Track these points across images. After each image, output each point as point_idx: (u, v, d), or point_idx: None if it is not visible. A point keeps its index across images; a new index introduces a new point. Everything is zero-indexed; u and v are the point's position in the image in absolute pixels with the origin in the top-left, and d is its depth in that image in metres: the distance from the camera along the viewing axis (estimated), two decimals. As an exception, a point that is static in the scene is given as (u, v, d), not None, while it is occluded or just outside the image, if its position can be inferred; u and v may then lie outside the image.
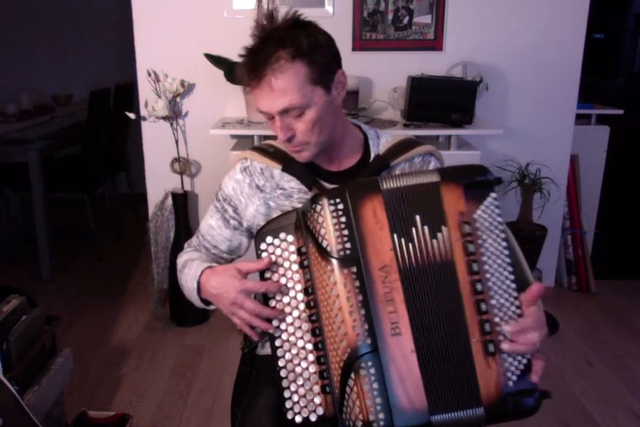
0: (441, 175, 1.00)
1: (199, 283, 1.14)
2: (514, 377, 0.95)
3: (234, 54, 2.61)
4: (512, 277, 0.97)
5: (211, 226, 1.29)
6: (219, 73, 2.58)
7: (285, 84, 1.07)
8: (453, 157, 2.50)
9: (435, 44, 2.74)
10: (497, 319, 0.95)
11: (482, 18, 2.72)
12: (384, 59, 2.75)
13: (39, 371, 1.61)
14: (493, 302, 0.96)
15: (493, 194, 0.99)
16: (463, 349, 0.95)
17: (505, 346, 0.95)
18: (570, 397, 2.22)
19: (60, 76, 4.71)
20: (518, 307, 0.96)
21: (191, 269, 1.19)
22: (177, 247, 2.71)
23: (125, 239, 3.92)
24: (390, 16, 2.70)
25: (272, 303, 1.05)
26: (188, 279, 1.18)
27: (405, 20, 2.71)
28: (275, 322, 1.05)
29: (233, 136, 2.76)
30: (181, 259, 1.29)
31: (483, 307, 0.95)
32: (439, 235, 0.97)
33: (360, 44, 2.74)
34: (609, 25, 5.19)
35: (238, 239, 1.29)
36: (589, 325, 2.77)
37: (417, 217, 0.98)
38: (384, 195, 0.99)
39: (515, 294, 0.97)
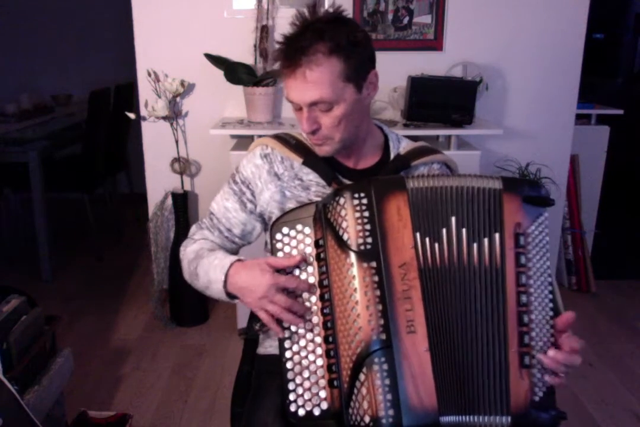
0: (504, 183, 1.00)
1: (226, 276, 1.12)
2: (540, 393, 0.95)
3: (234, 54, 2.65)
4: (550, 296, 0.98)
5: (227, 208, 1.28)
6: (219, 73, 2.58)
7: (319, 77, 1.07)
8: (453, 157, 2.47)
9: (435, 44, 2.74)
10: (533, 334, 0.96)
11: (482, 18, 2.72)
12: (384, 59, 2.70)
13: (39, 371, 1.60)
14: (532, 317, 0.96)
15: (546, 214, 1.00)
16: (500, 357, 0.95)
17: (541, 356, 0.95)
18: (570, 397, 2.22)
19: (60, 76, 4.71)
20: (552, 326, 0.98)
21: (214, 259, 1.16)
22: (177, 247, 2.69)
23: (125, 239, 3.92)
24: (390, 16, 2.70)
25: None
26: (210, 270, 1.15)
27: (405, 20, 2.71)
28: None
29: (233, 136, 2.76)
30: (191, 247, 1.26)
31: (525, 319, 0.96)
32: (485, 240, 0.98)
33: (360, 44, 2.73)
34: (609, 25, 5.20)
35: (252, 224, 1.29)
36: (589, 325, 2.77)
37: (453, 219, 0.98)
38: (409, 193, 1.00)
39: (551, 313, 0.98)
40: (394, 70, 2.71)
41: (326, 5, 2.67)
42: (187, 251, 1.27)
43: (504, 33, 2.74)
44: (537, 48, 2.76)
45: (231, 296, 1.15)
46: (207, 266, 1.17)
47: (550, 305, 0.98)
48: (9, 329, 1.48)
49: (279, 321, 1.05)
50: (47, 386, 1.57)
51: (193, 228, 1.35)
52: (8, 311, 1.50)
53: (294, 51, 1.08)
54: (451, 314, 0.96)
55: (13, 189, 3.50)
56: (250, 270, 1.08)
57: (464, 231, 0.98)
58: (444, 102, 2.49)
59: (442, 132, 2.63)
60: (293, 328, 1.03)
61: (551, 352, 0.95)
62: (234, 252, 1.33)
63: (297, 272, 1.05)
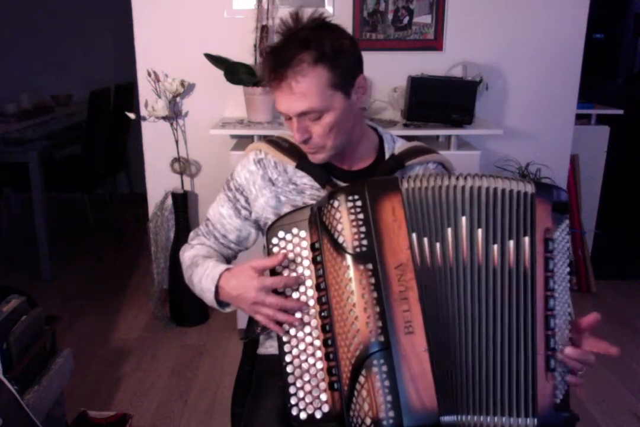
0: (537, 187, 0.99)
1: (217, 287, 1.13)
2: (561, 396, 0.97)
3: (234, 54, 2.65)
4: (569, 301, 0.99)
5: (222, 214, 1.28)
6: (219, 73, 2.58)
7: (306, 88, 1.06)
8: (453, 157, 2.46)
9: (435, 44, 2.74)
10: (557, 338, 0.97)
11: (482, 18, 2.72)
12: (384, 59, 2.75)
13: (39, 371, 1.60)
14: (557, 321, 0.97)
15: (567, 220, 1.00)
16: (527, 359, 0.95)
17: (565, 353, 0.97)
18: (570, 397, 2.21)
19: (60, 76, 4.71)
20: (569, 331, 0.99)
21: (206, 268, 1.17)
22: (177, 247, 2.70)
23: (125, 239, 3.92)
24: (390, 16, 2.70)
25: None
26: (202, 280, 1.17)
27: (405, 20, 2.71)
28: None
29: (233, 136, 2.76)
30: (188, 253, 1.27)
31: (552, 323, 0.96)
32: (510, 242, 0.97)
33: (360, 44, 2.72)
34: (609, 25, 5.20)
35: (247, 230, 1.29)
36: (589, 325, 2.77)
37: (463, 219, 0.98)
38: (404, 194, 0.99)
39: (570, 318, 0.99)
40: (394, 70, 2.72)
41: (326, 5, 2.67)
42: (185, 256, 1.28)
43: (504, 33, 2.74)
44: (537, 48, 2.76)
45: (222, 304, 1.17)
46: (200, 274, 1.18)
47: (569, 310, 0.99)
48: (9, 329, 1.48)
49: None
50: (47, 386, 1.57)
51: (191, 234, 1.35)
52: (8, 311, 1.50)
53: (279, 63, 1.07)
54: (456, 314, 0.96)
55: (13, 189, 3.50)
56: (238, 278, 1.08)
57: (479, 231, 0.97)
58: (444, 102, 2.49)
59: (442, 132, 2.63)
60: (292, 331, 1.03)
61: (568, 350, 0.97)
62: (231, 257, 1.34)
63: (286, 273, 1.05)
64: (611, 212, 3.55)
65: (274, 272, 1.06)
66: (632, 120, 3.89)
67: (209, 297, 1.16)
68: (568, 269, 0.99)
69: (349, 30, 2.68)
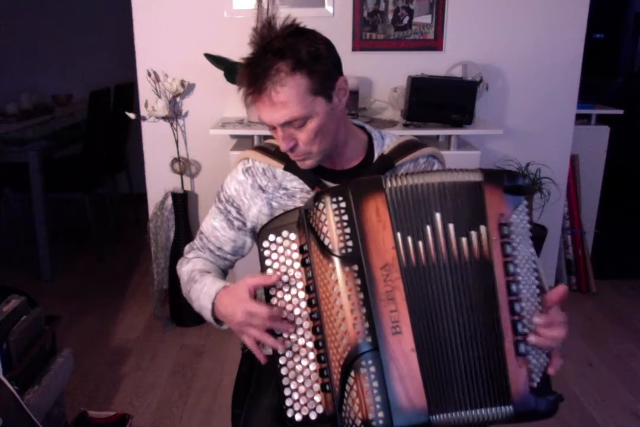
0: (484, 175, 1.00)
1: (214, 304, 1.13)
2: (537, 379, 0.96)
3: (234, 54, 2.65)
4: (537, 282, 0.99)
5: (215, 227, 1.28)
6: (219, 73, 2.58)
7: (286, 97, 1.06)
8: (453, 157, 2.50)
9: (435, 44, 2.74)
10: (525, 321, 0.96)
11: (482, 18, 2.72)
12: (384, 59, 2.75)
13: (39, 371, 1.61)
14: (523, 304, 0.97)
15: (525, 201, 1.00)
16: (496, 347, 0.95)
17: (532, 338, 0.95)
18: (570, 397, 2.22)
19: (60, 76, 4.72)
20: (541, 312, 0.98)
21: (203, 285, 1.17)
22: (177, 247, 2.71)
23: (125, 239, 3.92)
24: (390, 16, 2.70)
25: (274, 301, 1.05)
26: (200, 297, 1.17)
27: (405, 20, 2.71)
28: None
29: (233, 136, 2.76)
30: (185, 267, 1.27)
31: (517, 307, 0.96)
32: (473, 233, 0.98)
33: (360, 44, 2.73)
34: (609, 25, 5.20)
35: (242, 240, 1.29)
36: (589, 325, 2.77)
37: (438, 215, 0.98)
38: (387, 193, 0.99)
39: (539, 299, 0.98)
40: (394, 70, 2.72)
41: (326, 5, 2.67)
42: (182, 271, 1.28)
43: (504, 33, 2.74)
44: (537, 48, 2.76)
45: (219, 322, 1.17)
46: (198, 291, 1.18)
47: (538, 291, 0.98)
48: (9, 329, 1.48)
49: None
50: (47, 386, 1.57)
51: (186, 248, 1.35)
52: (8, 311, 1.51)
53: (256, 76, 1.06)
54: (438, 311, 0.96)
55: (13, 189, 3.49)
56: (230, 297, 1.08)
57: (451, 226, 0.98)
58: (444, 102, 2.49)
59: (442, 132, 2.63)
60: (285, 334, 1.03)
61: (537, 319, 0.96)
62: (228, 267, 1.34)
63: (279, 294, 1.05)
64: (611, 212, 3.55)
65: (268, 290, 1.05)
66: (632, 120, 3.89)
67: (206, 315, 1.17)
68: (532, 250, 0.99)
69: (349, 30, 2.71)
